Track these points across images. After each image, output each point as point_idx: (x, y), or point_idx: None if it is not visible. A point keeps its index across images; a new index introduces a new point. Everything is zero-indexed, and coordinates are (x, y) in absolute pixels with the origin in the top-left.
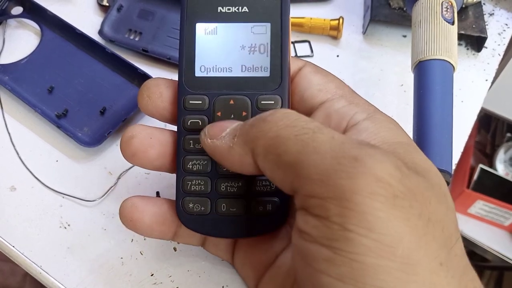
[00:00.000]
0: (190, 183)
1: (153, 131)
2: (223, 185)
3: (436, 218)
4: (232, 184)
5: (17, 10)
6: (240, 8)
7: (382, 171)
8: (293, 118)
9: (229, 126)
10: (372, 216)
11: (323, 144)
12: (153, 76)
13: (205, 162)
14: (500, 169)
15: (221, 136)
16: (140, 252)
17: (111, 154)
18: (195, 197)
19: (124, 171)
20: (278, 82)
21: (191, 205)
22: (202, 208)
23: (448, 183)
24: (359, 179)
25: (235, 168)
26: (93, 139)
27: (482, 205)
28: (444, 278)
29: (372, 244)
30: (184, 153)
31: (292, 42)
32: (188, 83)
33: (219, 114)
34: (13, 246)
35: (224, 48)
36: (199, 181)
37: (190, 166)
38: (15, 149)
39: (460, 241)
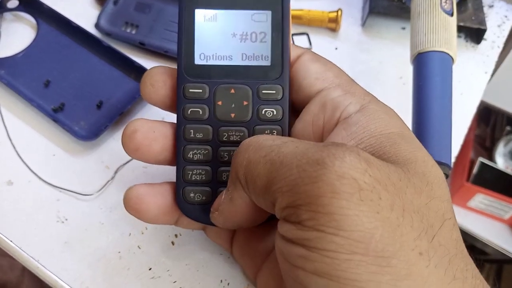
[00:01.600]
0: (191, 172)
1: (155, 124)
2: (224, 174)
3: (413, 208)
4: None
5: (13, 3)
6: None
7: (343, 167)
8: (260, 140)
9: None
10: (339, 216)
11: (288, 155)
12: None
13: (206, 151)
14: (500, 162)
15: (221, 202)
16: (138, 246)
17: (108, 148)
18: (196, 186)
19: (121, 165)
20: (279, 72)
21: (192, 195)
22: (204, 198)
23: (447, 176)
24: (321, 181)
25: (249, 219)
26: (90, 133)
27: (482, 199)
28: (425, 268)
29: (343, 241)
30: (185, 142)
31: (291, 35)
32: (188, 71)
33: (219, 103)
34: (11, 241)
35: (224, 35)
36: (200, 171)
37: (191, 156)
38: (11, 143)
39: (447, 230)
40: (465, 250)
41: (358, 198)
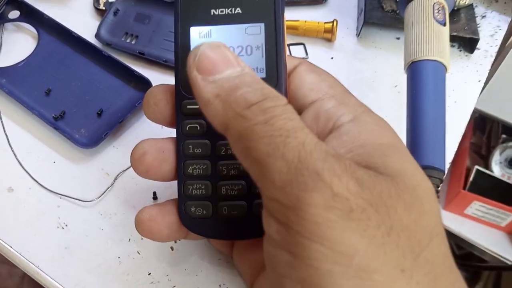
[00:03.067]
0: (191, 187)
1: (164, 144)
2: (223, 188)
3: (401, 226)
4: (233, 187)
5: (14, 14)
6: (233, 9)
7: (339, 187)
8: (273, 114)
9: (220, 70)
10: (326, 227)
11: (292, 151)
12: (150, 79)
13: (205, 166)
14: (496, 170)
15: (208, 81)
16: (138, 252)
17: (108, 155)
18: (197, 201)
19: (121, 172)
20: (274, 83)
21: (193, 209)
22: (204, 212)
23: (441, 181)
24: (316, 192)
25: (207, 115)
26: (90, 141)
27: (478, 206)
28: (406, 284)
29: (327, 252)
30: (184, 157)
31: (287, 45)
32: (185, 88)
33: None
34: (11, 247)
35: None
36: (200, 185)
37: (191, 171)
38: (12, 150)
39: (436, 245)
40: (454, 265)
41: (348, 217)
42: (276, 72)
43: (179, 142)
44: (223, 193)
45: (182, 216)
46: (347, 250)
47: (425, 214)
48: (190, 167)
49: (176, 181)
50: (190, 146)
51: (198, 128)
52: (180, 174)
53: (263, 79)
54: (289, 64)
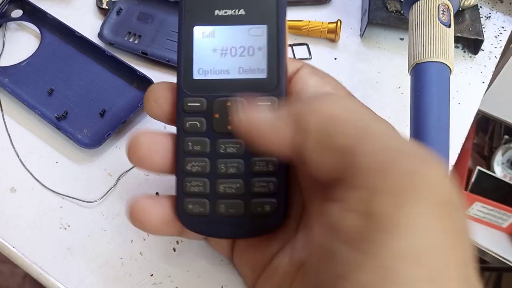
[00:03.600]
0: (189, 184)
1: (157, 136)
2: (221, 186)
3: (465, 232)
4: (231, 186)
5: (17, 13)
6: (236, 11)
7: (438, 177)
8: (349, 102)
9: (263, 103)
10: (415, 220)
11: (382, 134)
12: (152, 78)
13: (204, 163)
14: (498, 171)
15: (260, 115)
16: (140, 253)
17: (111, 156)
18: (195, 198)
19: (123, 173)
20: (275, 84)
21: (190, 206)
22: (202, 209)
23: None
24: (416, 176)
25: (273, 149)
26: (92, 141)
27: (480, 207)
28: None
29: (406, 251)
30: (183, 155)
31: (290, 45)
32: (187, 86)
33: (217, 116)
34: (13, 247)
35: (221, 50)
36: (198, 183)
37: (189, 168)
38: (15, 150)
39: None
40: None
41: (439, 212)
42: (277, 73)
43: (179, 139)
44: (221, 191)
45: (180, 213)
46: (427, 249)
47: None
48: (189, 164)
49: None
50: (190, 143)
51: (198, 126)
52: (178, 171)
53: (263, 79)
54: (291, 67)
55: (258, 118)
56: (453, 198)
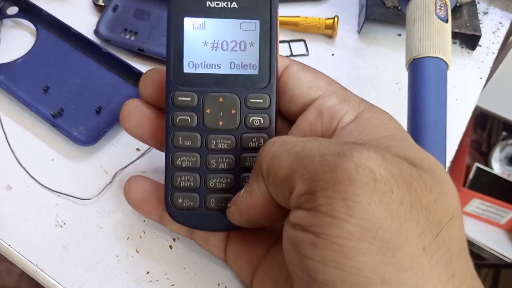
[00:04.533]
0: (179, 179)
1: (139, 103)
2: (212, 181)
3: (421, 205)
4: (221, 180)
5: (13, 10)
6: (229, 3)
7: (361, 159)
8: (286, 138)
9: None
10: (353, 202)
11: (312, 149)
12: None
13: (194, 158)
14: (496, 167)
15: (240, 195)
16: (136, 250)
17: (107, 153)
18: (184, 192)
19: (119, 170)
20: (267, 81)
21: (180, 200)
22: (191, 204)
23: None
24: (339, 169)
25: (264, 216)
26: (88, 138)
27: (478, 204)
28: (427, 263)
29: (353, 229)
30: (173, 149)
31: (288, 41)
32: (177, 79)
33: (208, 111)
34: (9, 245)
35: (212, 44)
36: (188, 177)
37: (179, 163)
38: (10, 148)
39: (454, 227)
40: (467, 250)
41: (372, 188)
42: (269, 70)
43: (168, 133)
44: (211, 186)
45: (169, 207)
46: (371, 225)
47: (446, 194)
48: (179, 159)
49: None
50: (180, 138)
51: (189, 121)
52: (168, 165)
53: (255, 76)
54: (280, 65)
55: (243, 201)
56: (389, 173)
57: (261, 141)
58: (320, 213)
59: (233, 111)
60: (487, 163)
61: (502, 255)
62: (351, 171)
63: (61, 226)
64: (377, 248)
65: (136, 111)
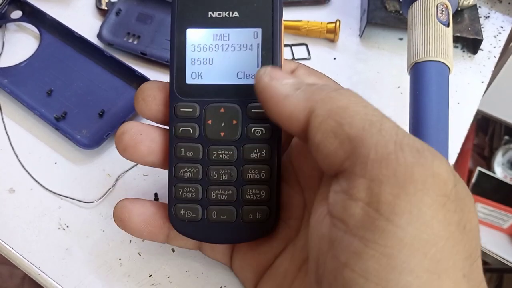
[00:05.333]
0: (181, 190)
1: (144, 128)
2: (213, 193)
3: (470, 227)
4: (223, 192)
5: (17, 14)
6: (230, 13)
7: (440, 168)
8: (364, 100)
9: (292, 79)
10: (418, 210)
11: (389, 130)
12: (152, 79)
13: (196, 169)
14: (498, 171)
15: (282, 82)
16: (139, 253)
17: (110, 156)
18: (187, 204)
19: (122, 173)
20: None
21: (182, 212)
22: (193, 215)
23: None
24: (416, 169)
25: (281, 119)
26: (91, 141)
27: (480, 208)
28: None
29: (407, 239)
30: (176, 160)
31: (290, 45)
32: (179, 90)
33: (209, 122)
34: (12, 248)
35: (215, 54)
36: (190, 188)
37: (182, 174)
38: (14, 151)
39: (480, 254)
40: None
41: (442, 203)
42: None
43: (171, 144)
44: (213, 197)
45: (172, 218)
46: (427, 241)
47: (476, 218)
48: (181, 170)
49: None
50: (182, 149)
51: (191, 132)
52: (171, 176)
53: None
54: (286, 68)
55: (278, 86)
56: (457, 192)
57: (263, 152)
58: (378, 214)
59: (234, 122)
60: (490, 167)
61: (505, 259)
62: (427, 177)
63: (64, 229)
64: (425, 267)
65: (143, 137)
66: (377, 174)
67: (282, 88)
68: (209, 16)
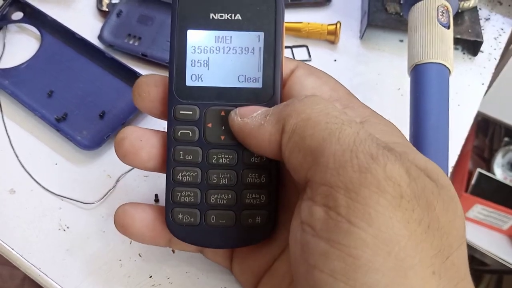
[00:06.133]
0: (179, 194)
1: (144, 133)
2: (212, 197)
3: (438, 225)
4: (222, 196)
5: (18, 15)
6: (233, 15)
7: (393, 171)
8: (328, 105)
9: (260, 109)
10: (375, 212)
11: (348, 137)
12: None
13: (195, 173)
14: (498, 173)
15: (252, 116)
16: (139, 254)
17: (110, 157)
18: (185, 208)
19: (122, 174)
20: (270, 94)
21: (180, 216)
22: (192, 220)
23: None
24: (370, 173)
25: (261, 148)
26: (92, 143)
27: (480, 209)
28: (436, 287)
29: (370, 240)
30: (174, 163)
31: (290, 47)
32: (179, 93)
33: (209, 125)
34: (12, 249)
35: (215, 57)
36: (189, 193)
37: (180, 177)
38: (14, 152)
39: (462, 250)
40: (469, 272)
41: (397, 204)
42: (272, 83)
43: (169, 147)
44: (212, 201)
45: (169, 222)
46: (389, 239)
47: (458, 216)
48: (180, 174)
49: None
50: (181, 153)
51: (190, 135)
52: (168, 180)
53: (258, 89)
54: (285, 68)
55: (249, 121)
56: (414, 191)
57: (264, 157)
58: (338, 216)
59: None
60: (489, 168)
61: (505, 261)
62: (380, 180)
63: (64, 230)
64: (391, 265)
65: (144, 144)
66: (335, 181)
67: (253, 121)
68: (211, 17)
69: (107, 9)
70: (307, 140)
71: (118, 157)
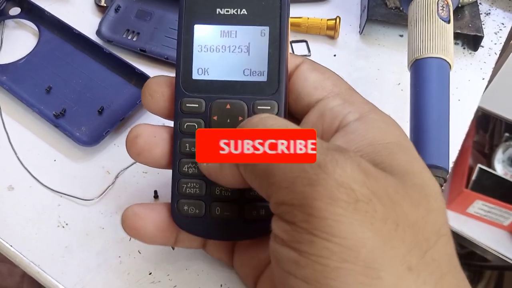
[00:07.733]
0: (185, 185)
1: (157, 130)
2: (217, 189)
3: (408, 222)
4: (227, 189)
5: (15, 10)
6: (239, 10)
7: (343, 176)
8: (269, 124)
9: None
10: (333, 221)
11: None
12: (151, 76)
13: None
14: (499, 168)
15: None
16: (138, 251)
17: (109, 153)
18: (190, 199)
19: (122, 170)
20: (275, 88)
21: (185, 208)
22: (197, 211)
23: (445, 180)
24: (320, 185)
25: (231, 184)
26: (91, 139)
27: (481, 205)
28: (413, 283)
29: (335, 248)
30: (180, 155)
31: (290, 42)
32: (185, 86)
33: (215, 118)
34: (11, 246)
35: (222, 51)
36: (194, 184)
37: (186, 169)
38: (13, 148)
39: (442, 244)
40: (459, 266)
41: (354, 208)
42: (277, 76)
43: (176, 139)
44: (217, 193)
45: (174, 214)
46: (354, 245)
47: (432, 212)
48: (186, 166)
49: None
50: (187, 145)
51: (196, 127)
52: (175, 172)
53: (263, 83)
54: (291, 63)
55: (211, 166)
56: (374, 190)
57: None
58: (301, 229)
59: (240, 118)
60: (490, 164)
61: (506, 256)
62: (332, 190)
63: (63, 227)
64: (360, 268)
65: (158, 140)
66: (291, 199)
67: (214, 164)
68: (217, 12)
69: (105, 4)
70: (257, 165)
71: (131, 155)
